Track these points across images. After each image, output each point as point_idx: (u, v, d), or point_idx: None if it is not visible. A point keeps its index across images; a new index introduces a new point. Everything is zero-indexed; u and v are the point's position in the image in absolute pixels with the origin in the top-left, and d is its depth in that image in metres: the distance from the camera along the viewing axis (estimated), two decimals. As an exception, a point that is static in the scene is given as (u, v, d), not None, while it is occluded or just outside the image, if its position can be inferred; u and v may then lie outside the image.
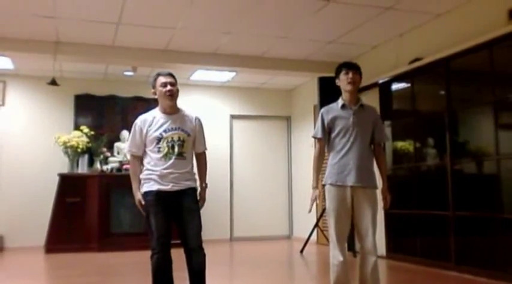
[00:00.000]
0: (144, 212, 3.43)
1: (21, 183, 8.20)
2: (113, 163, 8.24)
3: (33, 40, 6.57)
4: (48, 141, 8.14)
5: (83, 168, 8.14)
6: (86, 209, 7.81)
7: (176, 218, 3.40)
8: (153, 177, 3.39)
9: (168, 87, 3.47)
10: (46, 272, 6.44)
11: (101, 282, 5.37)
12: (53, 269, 6.52)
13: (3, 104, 8.41)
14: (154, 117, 3.50)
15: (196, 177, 3.58)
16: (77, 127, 8.36)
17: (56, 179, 7.84)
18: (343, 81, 3.59)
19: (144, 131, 3.46)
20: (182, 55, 7.21)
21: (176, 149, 3.40)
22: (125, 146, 8.59)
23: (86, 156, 8.16)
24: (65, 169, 8.08)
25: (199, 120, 3.59)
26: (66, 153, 8.03)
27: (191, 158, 3.53)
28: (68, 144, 7.95)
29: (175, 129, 3.45)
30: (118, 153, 8.46)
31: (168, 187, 3.36)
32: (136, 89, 8.94)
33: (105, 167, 8.18)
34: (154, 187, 3.37)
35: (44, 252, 7.53)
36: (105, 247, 7.61)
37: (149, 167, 3.44)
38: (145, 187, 3.42)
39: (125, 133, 8.59)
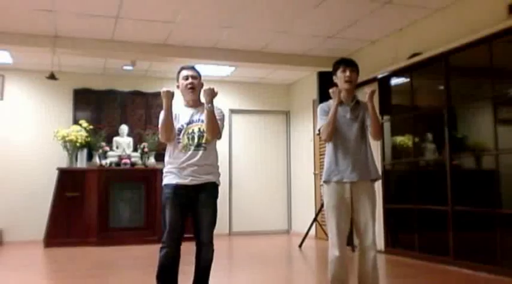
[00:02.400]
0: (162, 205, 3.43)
1: (20, 177, 8.20)
2: (111, 157, 8.23)
3: (32, 34, 6.56)
4: (47, 135, 8.15)
5: (81, 163, 8.14)
6: (85, 203, 7.82)
7: (192, 211, 3.40)
8: (173, 170, 3.39)
9: (190, 80, 3.49)
10: (45, 266, 6.45)
11: (99, 276, 5.38)
12: (51, 263, 6.53)
13: (1, 98, 8.40)
14: (179, 110, 3.51)
15: (220, 170, 3.55)
16: (75, 122, 8.36)
17: (55, 173, 7.84)
18: (341, 79, 3.58)
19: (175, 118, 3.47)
20: (181, 49, 7.20)
21: (196, 140, 3.40)
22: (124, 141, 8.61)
23: (85, 151, 8.16)
24: (64, 163, 8.08)
25: (219, 110, 3.56)
26: (65, 147, 8.03)
27: (213, 151, 3.50)
28: (67, 139, 7.95)
29: (197, 121, 3.46)
30: (117, 148, 8.45)
31: (186, 180, 3.35)
32: (135, 83, 8.94)
33: (104, 161, 8.17)
34: (173, 180, 3.38)
35: (43, 246, 7.54)
36: (104, 241, 7.62)
37: (170, 160, 3.44)
38: (166, 180, 3.43)
39: (123, 127, 8.59)
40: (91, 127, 8.23)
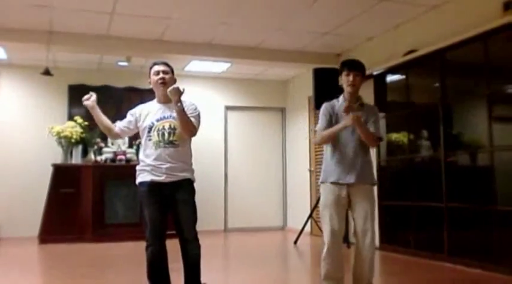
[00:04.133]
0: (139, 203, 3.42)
1: (14, 174, 8.17)
2: (107, 153, 8.21)
3: (27, 30, 6.52)
4: (41, 131, 8.11)
5: (76, 159, 8.12)
6: (80, 199, 7.80)
7: (171, 209, 3.39)
8: (146, 168, 3.38)
9: (160, 75, 3.46)
10: (40, 263, 6.44)
11: (95, 272, 5.37)
12: (46, 260, 6.52)
13: (-4, 94, 8.37)
14: (149, 107, 3.51)
15: (194, 167, 3.55)
16: (70, 118, 8.33)
17: (50, 169, 7.81)
18: (345, 83, 3.62)
19: (138, 117, 3.50)
20: (177, 45, 7.18)
21: (166, 137, 3.36)
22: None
23: (80, 147, 8.14)
24: (59, 159, 8.05)
25: (194, 105, 3.51)
26: (60, 143, 8.01)
27: (187, 148, 3.48)
28: (62, 135, 7.92)
29: (168, 117, 3.41)
30: (112, 144, 8.42)
31: (161, 178, 3.34)
32: (130, 79, 8.90)
33: (99, 157, 8.15)
34: (147, 177, 3.37)
35: (38, 243, 7.52)
36: (99, 238, 7.61)
37: (143, 158, 3.44)
38: (140, 178, 3.41)
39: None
40: (86, 123, 8.19)
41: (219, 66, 8.64)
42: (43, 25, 6.39)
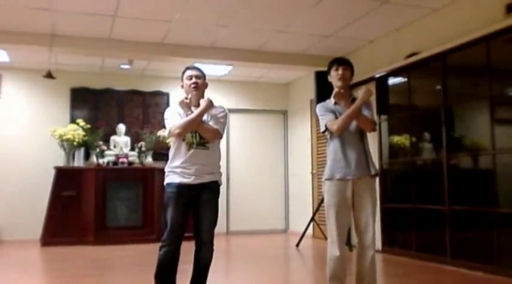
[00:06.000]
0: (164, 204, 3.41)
1: (17, 176, 8.18)
2: (109, 156, 8.22)
3: (29, 32, 6.54)
4: (44, 134, 8.13)
5: (79, 161, 8.13)
6: (82, 202, 7.81)
7: (194, 210, 3.41)
8: (176, 170, 3.39)
9: (193, 80, 3.51)
10: (42, 266, 6.44)
11: (97, 275, 5.37)
12: (49, 262, 6.52)
13: (-1, 97, 8.39)
14: (179, 109, 3.50)
15: (221, 170, 3.57)
16: (73, 121, 8.34)
17: (52, 172, 7.82)
18: (334, 78, 3.63)
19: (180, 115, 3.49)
20: (179, 48, 7.19)
21: (199, 138, 3.41)
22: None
23: (82, 149, 8.16)
24: (61, 162, 8.07)
25: (223, 109, 3.58)
26: (62, 146, 8.03)
27: (216, 150, 3.52)
28: (64, 137, 7.94)
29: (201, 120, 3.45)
30: (114, 147, 8.45)
31: (190, 180, 3.36)
32: (132, 82, 8.93)
33: (101, 160, 8.16)
34: (176, 179, 3.38)
35: (40, 245, 7.53)
36: (101, 240, 7.61)
37: (174, 158, 3.44)
38: (168, 179, 3.43)
39: (121, 126, 8.58)
40: (88, 126, 8.22)
41: (221, 69, 8.64)
42: (45, 28, 6.41)
